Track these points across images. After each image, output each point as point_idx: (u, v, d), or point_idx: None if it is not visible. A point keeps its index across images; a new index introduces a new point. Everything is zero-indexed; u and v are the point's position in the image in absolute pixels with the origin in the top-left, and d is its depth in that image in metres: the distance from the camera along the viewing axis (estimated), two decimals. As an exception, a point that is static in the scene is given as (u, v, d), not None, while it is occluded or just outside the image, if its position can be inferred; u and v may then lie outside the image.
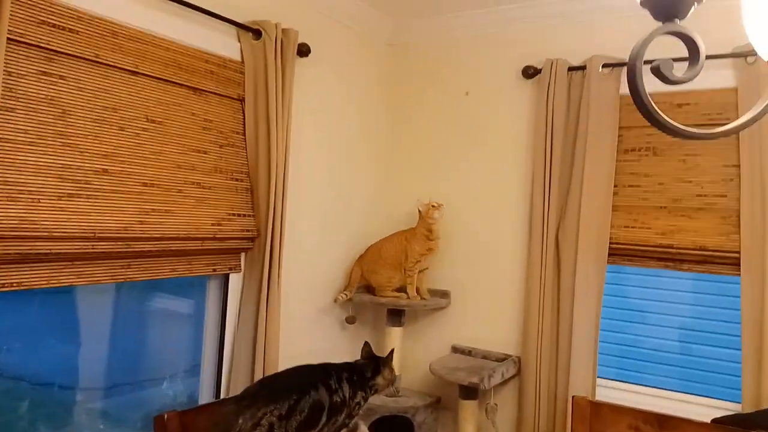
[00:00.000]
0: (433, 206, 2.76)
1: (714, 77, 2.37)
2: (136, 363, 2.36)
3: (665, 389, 2.51)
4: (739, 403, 2.25)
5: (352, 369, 1.90)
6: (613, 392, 2.54)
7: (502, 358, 2.74)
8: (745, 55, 2.28)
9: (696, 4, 0.89)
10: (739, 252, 2.25)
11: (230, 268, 2.41)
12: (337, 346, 2.97)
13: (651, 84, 2.53)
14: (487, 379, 2.50)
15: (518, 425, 2.66)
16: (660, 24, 0.94)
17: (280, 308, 2.42)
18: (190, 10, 2.13)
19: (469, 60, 2.99)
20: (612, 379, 2.61)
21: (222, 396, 2.42)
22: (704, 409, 2.36)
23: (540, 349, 2.58)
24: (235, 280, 2.46)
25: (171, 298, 2.47)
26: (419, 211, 2.80)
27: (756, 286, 2.19)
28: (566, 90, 2.61)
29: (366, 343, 2.09)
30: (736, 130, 0.95)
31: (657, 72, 0.88)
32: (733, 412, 2.29)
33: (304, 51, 2.53)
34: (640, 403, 2.44)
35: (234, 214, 2.34)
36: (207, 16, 2.19)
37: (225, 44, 2.31)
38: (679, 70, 1.04)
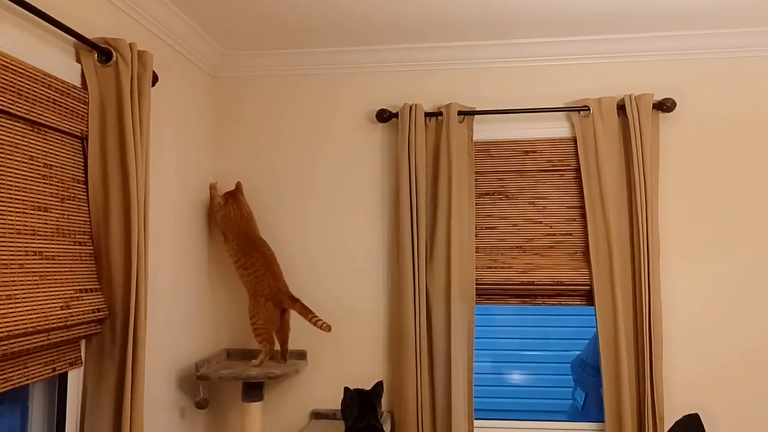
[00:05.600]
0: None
1: (554, 128, 2.70)
2: None
3: (535, 420, 2.73)
4: (602, 422, 2.57)
5: None
6: (489, 432, 2.68)
7: (374, 417, 2.64)
8: (578, 109, 2.66)
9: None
10: (590, 285, 2.60)
11: (70, 364, 1.84)
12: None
13: (501, 132, 2.78)
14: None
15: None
16: None
17: (143, 408, 1.94)
18: (17, 7, 1.59)
19: (315, 99, 2.86)
20: (481, 419, 2.72)
21: None
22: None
23: (420, 399, 2.57)
24: (74, 379, 1.89)
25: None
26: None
27: (608, 314, 2.55)
28: (424, 135, 2.69)
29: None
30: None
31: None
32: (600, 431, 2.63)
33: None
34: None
35: (81, 291, 1.81)
36: (40, 20, 1.67)
37: (60, 63, 1.78)
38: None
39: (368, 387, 2.59)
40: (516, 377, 5.42)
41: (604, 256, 2.57)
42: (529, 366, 5.43)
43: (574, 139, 2.67)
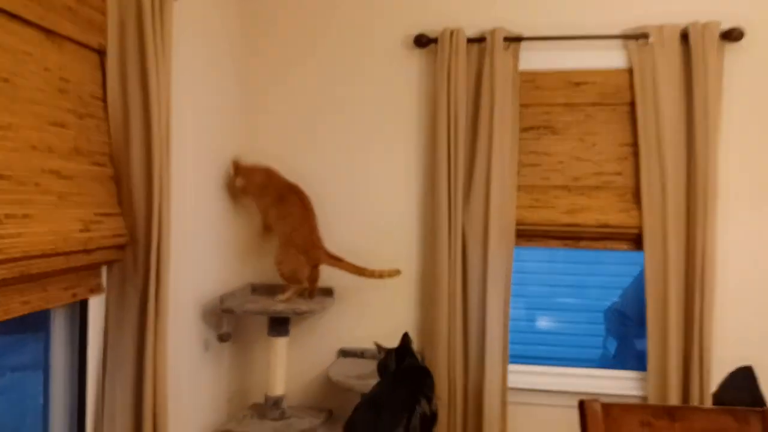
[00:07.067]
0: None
1: (607, 57, 2.52)
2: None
3: (571, 367, 2.65)
4: (644, 371, 2.49)
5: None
6: (523, 377, 2.60)
7: (403, 357, 2.59)
8: (636, 36, 2.47)
9: None
10: (639, 228, 2.46)
11: (91, 290, 1.80)
12: (208, 373, 2.51)
13: (549, 61, 2.61)
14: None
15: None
16: None
17: (167, 338, 1.90)
18: None
19: (348, 21, 2.70)
20: (516, 363, 2.65)
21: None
22: (615, 382, 2.58)
23: (451, 342, 2.51)
24: (96, 307, 1.85)
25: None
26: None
27: (658, 261, 2.43)
28: (466, 63, 2.53)
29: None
30: None
31: None
32: (640, 380, 2.55)
33: (175, -11, 1.99)
34: (553, 384, 2.59)
35: (101, 214, 1.74)
36: None
37: (75, -31, 1.67)
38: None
39: (393, 330, 2.55)
40: (544, 324, 5.35)
41: (657, 198, 2.43)
42: (558, 313, 5.34)
43: (630, 71, 2.49)
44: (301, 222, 2.51)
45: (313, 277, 2.55)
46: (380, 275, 2.51)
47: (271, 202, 2.53)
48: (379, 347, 2.27)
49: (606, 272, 5.31)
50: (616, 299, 4.88)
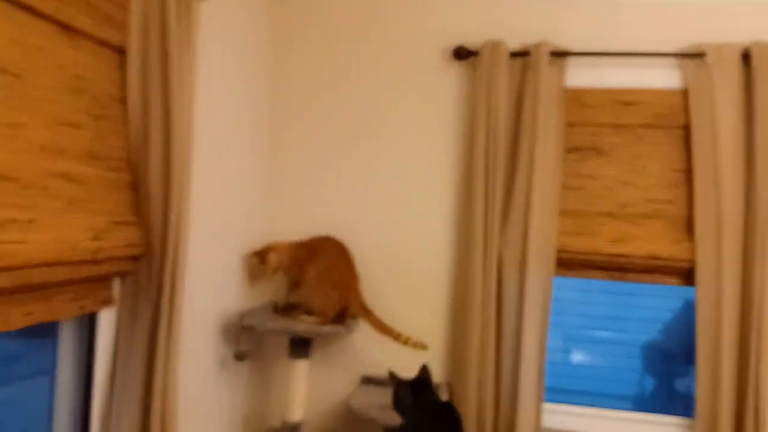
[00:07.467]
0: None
1: (660, 76, 2.37)
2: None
3: (613, 409, 2.47)
4: (689, 417, 2.30)
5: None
6: (558, 417, 2.43)
7: (430, 388, 2.44)
8: (692, 55, 2.32)
9: None
10: (691, 261, 2.29)
11: (102, 302, 1.70)
12: (223, 393, 2.39)
13: (597, 78, 2.46)
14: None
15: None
16: None
17: (178, 354, 1.80)
18: None
19: (383, 31, 2.60)
20: (551, 402, 2.48)
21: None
22: (658, 428, 2.39)
23: (482, 375, 2.35)
24: (106, 320, 1.76)
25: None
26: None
27: (711, 298, 2.24)
28: (508, 78, 2.40)
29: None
30: None
31: None
32: (687, 428, 2.35)
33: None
34: (590, 427, 2.41)
35: (115, 223, 1.65)
36: None
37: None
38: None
39: (419, 359, 2.40)
40: (577, 356, 5.13)
41: (712, 230, 2.25)
42: (592, 346, 5.13)
43: (685, 91, 2.33)
44: (338, 258, 2.41)
45: (340, 314, 2.41)
46: (405, 342, 2.37)
47: (304, 261, 2.41)
48: (392, 376, 2.11)
49: (645, 305, 5.10)
50: (655, 334, 4.65)
